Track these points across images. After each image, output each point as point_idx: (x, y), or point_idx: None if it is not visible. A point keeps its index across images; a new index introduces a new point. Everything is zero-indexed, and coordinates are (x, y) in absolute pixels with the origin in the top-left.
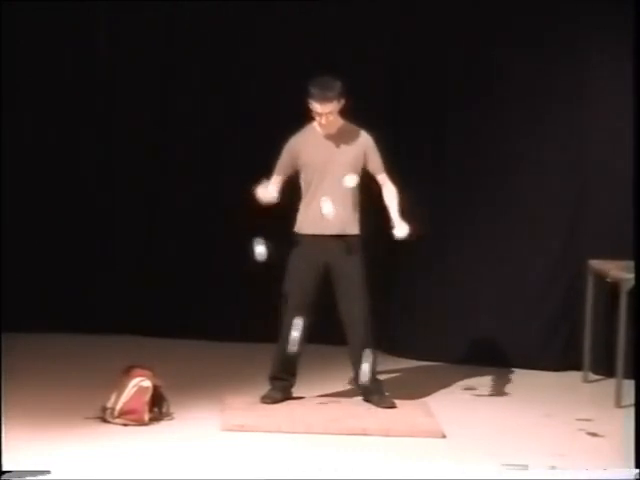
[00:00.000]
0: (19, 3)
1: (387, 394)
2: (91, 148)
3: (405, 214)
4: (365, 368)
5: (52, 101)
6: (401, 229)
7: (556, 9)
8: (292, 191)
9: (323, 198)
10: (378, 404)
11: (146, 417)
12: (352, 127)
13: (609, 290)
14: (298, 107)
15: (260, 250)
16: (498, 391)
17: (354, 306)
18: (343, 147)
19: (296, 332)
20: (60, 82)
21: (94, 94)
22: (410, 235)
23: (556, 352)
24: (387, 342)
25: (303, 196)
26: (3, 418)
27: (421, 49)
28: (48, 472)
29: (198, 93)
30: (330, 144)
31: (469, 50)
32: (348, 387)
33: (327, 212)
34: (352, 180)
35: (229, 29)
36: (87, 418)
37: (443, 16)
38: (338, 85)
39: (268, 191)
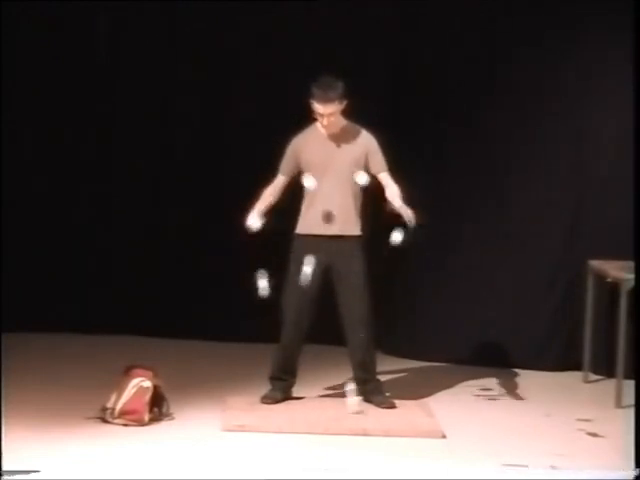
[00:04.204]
0: (19, 3)
1: (387, 394)
2: (91, 149)
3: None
4: (352, 398)
5: (52, 101)
6: (397, 236)
7: (556, 9)
8: (292, 192)
9: (305, 174)
10: (378, 404)
11: (146, 417)
12: (355, 127)
13: (609, 290)
14: (299, 107)
15: (263, 284)
16: (498, 391)
17: (354, 307)
18: (345, 147)
19: (308, 267)
20: (60, 82)
21: (94, 93)
22: (406, 241)
23: (556, 352)
24: (387, 342)
25: (305, 196)
26: (3, 418)
27: (421, 49)
28: (43, 472)
29: (198, 93)
30: (332, 144)
31: (469, 50)
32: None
33: (308, 185)
34: (363, 178)
35: (229, 29)
36: (87, 418)
37: (443, 16)
38: (340, 86)
39: (255, 220)
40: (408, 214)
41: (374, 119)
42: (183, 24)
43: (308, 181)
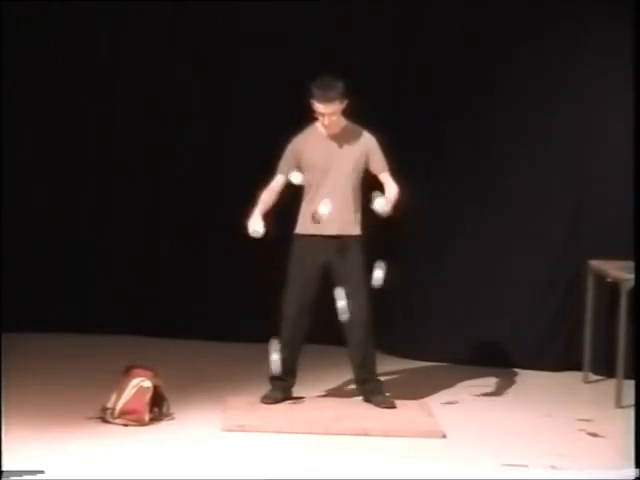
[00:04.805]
0: (19, 3)
1: (387, 394)
2: (90, 149)
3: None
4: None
5: (52, 101)
6: (381, 204)
7: (556, 10)
8: (292, 192)
9: (325, 200)
10: (378, 404)
11: (146, 417)
12: (355, 127)
13: (609, 290)
14: (299, 107)
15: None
16: (498, 391)
17: (354, 306)
18: (345, 147)
19: (341, 300)
20: (60, 82)
21: (94, 93)
22: (389, 214)
23: (556, 352)
24: (387, 342)
25: (305, 196)
26: (3, 418)
27: (421, 49)
28: (44, 472)
29: (198, 93)
30: (332, 144)
31: (469, 50)
32: (348, 387)
33: (322, 213)
34: (297, 178)
35: (229, 29)
36: (87, 418)
37: (443, 16)
38: (340, 86)
39: (258, 225)
40: (384, 204)
41: (374, 119)
42: (183, 24)
43: (296, 178)
